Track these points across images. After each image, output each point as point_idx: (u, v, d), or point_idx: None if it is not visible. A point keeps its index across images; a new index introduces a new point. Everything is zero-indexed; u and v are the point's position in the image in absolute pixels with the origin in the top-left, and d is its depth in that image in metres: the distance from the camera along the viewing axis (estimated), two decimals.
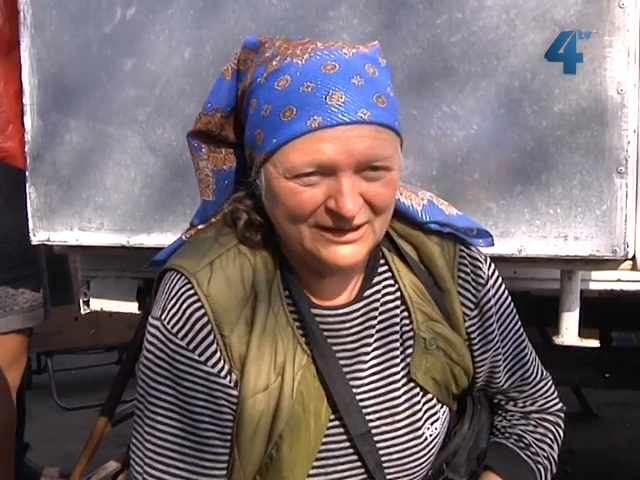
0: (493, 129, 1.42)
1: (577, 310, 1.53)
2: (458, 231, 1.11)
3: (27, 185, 1.80)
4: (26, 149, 1.79)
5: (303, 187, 0.93)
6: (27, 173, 1.79)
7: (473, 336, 1.13)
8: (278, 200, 0.96)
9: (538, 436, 1.21)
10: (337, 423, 1.06)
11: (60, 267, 2.45)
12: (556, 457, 1.22)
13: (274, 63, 0.95)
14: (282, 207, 0.96)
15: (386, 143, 0.94)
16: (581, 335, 1.57)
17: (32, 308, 2.20)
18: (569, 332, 1.54)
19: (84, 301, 2.00)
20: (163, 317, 1.01)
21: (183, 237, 1.12)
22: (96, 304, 2.00)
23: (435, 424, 1.12)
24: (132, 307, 1.97)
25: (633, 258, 1.42)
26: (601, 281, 1.63)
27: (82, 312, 2.02)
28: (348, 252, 0.97)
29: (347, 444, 1.06)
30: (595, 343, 1.58)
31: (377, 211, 0.96)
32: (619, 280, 1.62)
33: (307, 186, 0.93)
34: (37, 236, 1.81)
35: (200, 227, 1.11)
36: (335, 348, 1.06)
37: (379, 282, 1.10)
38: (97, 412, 2.25)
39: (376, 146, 0.93)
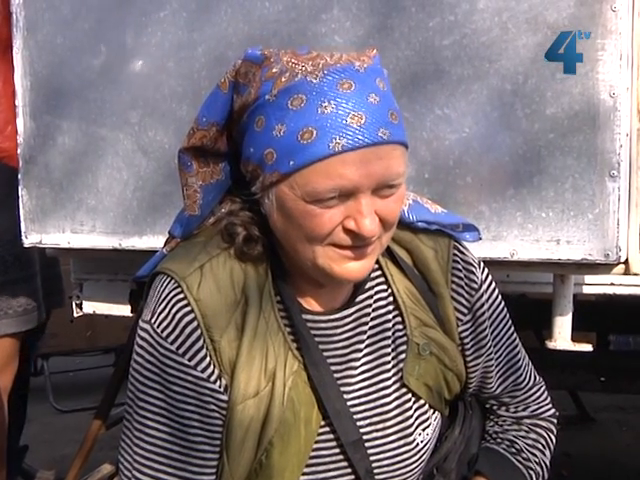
0: (485, 132, 1.41)
1: (570, 314, 1.53)
2: (445, 228, 1.11)
3: (19, 187, 1.79)
4: (18, 151, 1.79)
5: (322, 209, 0.92)
6: (19, 175, 1.79)
7: (466, 341, 1.13)
8: (294, 221, 0.94)
9: (530, 442, 1.21)
10: (327, 429, 1.05)
11: (51, 270, 2.44)
12: (548, 463, 1.21)
13: (283, 80, 0.92)
14: (298, 228, 0.95)
15: (400, 160, 0.94)
16: (576, 339, 1.57)
17: (26, 312, 2.20)
18: (562, 336, 1.54)
19: (77, 304, 2.00)
20: (153, 321, 1.00)
21: (164, 251, 1.10)
22: (89, 307, 1.99)
23: (427, 430, 1.11)
24: (125, 310, 1.96)
25: (626, 262, 1.41)
26: (594, 285, 1.63)
27: (75, 315, 2.01)
28: (359, 267, 0.97)
29: (337, 451, 1.05)
30: (588, 347, 1.57)
31: (388, 226, 0.97)
32: (612, 284, 1.62)
33: (326, 208, 0.92)
34: (29, 238, 1.80)
35: (179, 240, 1.08)
36: (326, 354, 1.06)
37: (371, 287, 1.09)
38: (93, 415, 2.25)
39: (392, 165, 0.92)
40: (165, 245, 1.12)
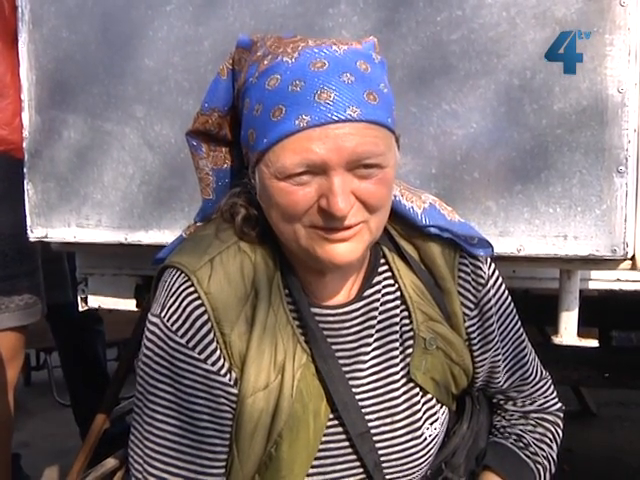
0: (493, 127, 1.41)
1: (576, 310, 1.53)
2: (458, 238, 1.09)
3: (25, 182, 1.79)
4: (24, 145, 1.78)
5: (295, 187, 0.92)
6: (25, 169, 1.79)
7: (473, 336, 1.13)
8: (272, 200, 0.95)
9: (537, 436, 1.21)
10: (336, 422, 1.05)
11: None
12: (555, 457, 1.22)
13: (265, 62, 0.95)
14: (276, 207, 0.96)
15: (378, 140, 0.93)
16: (580, 334, 1.57)
17: (28, 306, 2.20)
18: (568, 332, 1.54)
19: (82, 298, 1.99)
20: (163, 315, 1.01)
21: (183, 234, 1.12)
22: (94, 301, 1.99)
23: (434, 424, 1.11)
24: (130, 304, 1.96)
25: (633, 258, 1.41)
26: (600, 280, 1.63)
27: (80, 309, 2.01)
28: (343, 250, 0.96)
29: (346, 444, 1.06)
30: (594, 343, 1.57)
31: (371, 209, 0.95)
32: (618, 280, 1.62)
33: (299, 185, 0.92)
34: (35, 233, 1.80)
35: (199, 224, 1.10)
36: (335, 347, 1.06)
37: (379, 282, 1.10)
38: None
39: (367, 143, 0.91)
40: (186, 229, 1.14)
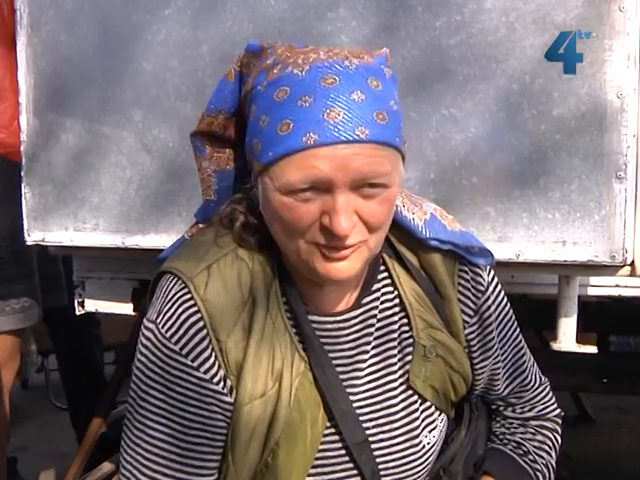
0: (491, 132, 1.40)
1: (575, 316, 1.53)
2: (459, 248, 1.08)
3: (22, 185, 1.78)
4: (22, 148, 1.78)
5: (298, 202, 0.91)
6: (22, 173, 1.78)
7: (473, 343, 1.13)
8: (274, 213, 0.94)
9: (537, 443, 1.21)
10: (333, 431, 1.05)
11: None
12: (554, 464, 1.21)
13: (275, 71, 0.93)
14: (278, 220, 0.95)
15: (384, 160, 0.91)
16: (579, 340, 1.56)
17: (24, 309, 2.19)
18: (567, 338, 1.53)
19: (79, 302, 1.99)
20: (158, 321, 1.00)
21: (185, 235, 1.11)
22: (91, 305, 1.99)
23: (433, 432, 1.11)
24: (127, 308, 1.96)
25: (632, 264, 1.41)
26: (600, 286, 1.62)
27: (77, 313, 2.01)
28: (341, 267, 0.95)
29: (343, 452, 1.05)
30: (593, 349, 1.57)
31: (372, 229, 0.94)
32: (617, 286, 1.61)
33: (302, 202, 0.91)
34: (32, 236, 1.79)
35: (201, 226, 1.09)
36: (332, 355, 1.05)
37: (378, 289, 1.09)
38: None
39: (373, 163, 0.90)
40: (188, 230, 1.13)
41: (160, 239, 1.65)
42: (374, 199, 0.92)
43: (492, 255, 1.13)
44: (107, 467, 2.03)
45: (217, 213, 1.07)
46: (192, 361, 0.99)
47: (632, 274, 1.42)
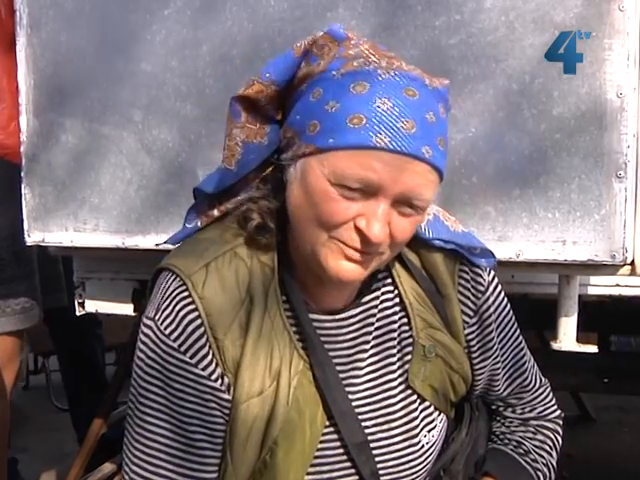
0: (491, 132, 1.40)
1: (575, 315, 1.52)
2: (462, 248, 1.09)
3: (22, 186, 1.78)
4: (21, 149, 1.78)
5: (341, 197, 0.91)
6: (22, 174, 1.78)
7: (472, 344, 1.13)
8: (310, 198, 0.93)
9: (537, 443, 1.21)
10: (332, 430, 1.05)
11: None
12: (555, 464, 1.21)
13: (355, 64, 0.92)
14: (312, 207, 0.94)
15: (432, 186, 0.93)
16: (579, 340, 1.56)
17: (24, 310, 2.19)
18: (567, 337, 1.53)
19: (79, 302, 1.99)
20: (157, 318, 1.01)
21: (198, 224, 1.09)
22: (91, 306, 1.98)
23: (432, 432, 1.11)
24: (127, 309, 1.96)
25: (632, 263, 1.41)
26: (600, 286, 1.62)
27: (77, 314, 2.00)
28: (350, 269, 0.95)
29: (342, 451, 1.05)
30: (593, 348, 1.57)
31: (394, 245, 0.96)
32: (618, 285, 1.61)
33: (345, 199, 0.91)
34: (32, 237, 1.79)
35: (216, 213, 1.07)
36: (332, 354, 1.05)
37: (378, 288, 1.09)
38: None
39: (423, 186, 0.91)
40: (193, 208, 1.10)
41: (160, 239, 1.65)
42: (406, 218, 0.94)
43: (494, 256, 1.13)
44: (108, 468, 2.03)
45: (232, 201, 1.06)
46: (190, 358, 0.99)
47: (632, 273, 1.41)
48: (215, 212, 1.07)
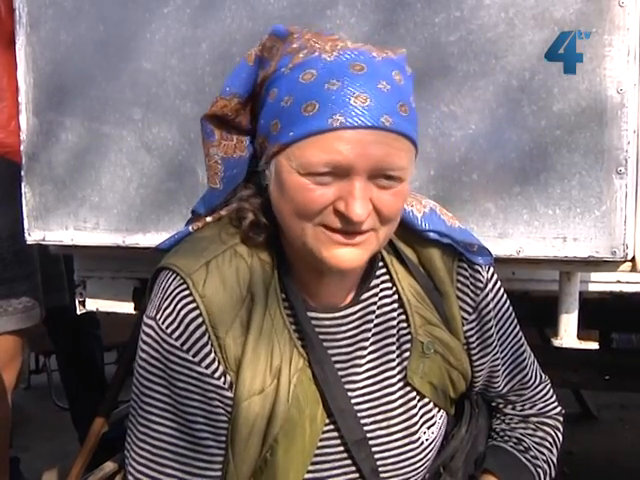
0: (491, 129, 1.40)
1: (576, 312, 1.52)
2: (458, 244, 1.09)
3: (22, 184, 1.78)
4: (21, 148, 1.78)
5: (314, 185, 0.92)
6: (22, 172, 1.78)
7: (472, 340, 1.13)
8: (286, 194, 0.94)
9: (537, 440, 1.21)
10: (332, 427, 1.05)
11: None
12: (555, 461, 1.21)
13: (301, 55, 0.94)
14: (290, 202, 0.94)
15: (402, 153, 0.93)
16: (580, 337, 1.56)
17: (26, 309, 2.19)
18: (568, 334, 1.53)
19: (80, 301, 1.99)
20: (158, 317, 1.01)
21: (190, 228, 1.10)
22: (92, 304, 1.98)
23: (432, 428, 1.11)
24: (128, 307, 1.96)
25: (633, 259, 1.40)
26: (600, 282, 1.62)
27: (78, 312, 2.00)
28: (349, 255, 0.95)
29: (342, 449, 1.05)
30: (594, 345, 1.56)
31: (384, 220, 0.95)
32: (618, 281, 1.61)
33: (318, 185, 0.92)
34: (32, 236, 1.79)
35: (208, 219, 1.08)
36: (331, 352, 1.05)
37: (377, 285, 1.09)
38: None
39: (393, 154, 0.91)
40: (189, 223, 1.12)
41: (160, 238, 1.64)
42: (388, 190, 0.93)
43: (491, 254, 1.13)
44: (109, 467, 2.02)
45: (225, 208, 1.07)
46: (193, 356, 0.99)
47: (633, 270, 1.41)
48: (208, 219, 1.09)
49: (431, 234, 1.07)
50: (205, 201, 1.11)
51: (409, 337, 1.09)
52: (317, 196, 0.92)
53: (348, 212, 0.91)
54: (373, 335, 1.08)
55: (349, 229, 0.93)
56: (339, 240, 0.94)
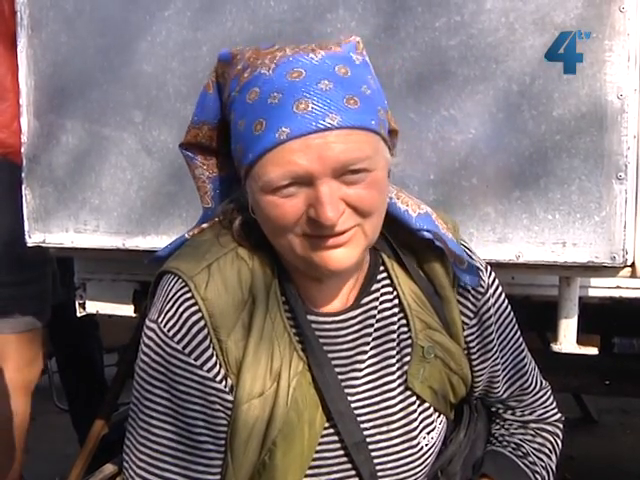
0: (491, 133, 1.40)
1: (575, 317, 1.52)
2: (449, 254, 1.07)
3: (23, 186, 1.79)
4: (22, 150, 1.78)
5: (282, 199, 0.92)
6: (23, 174, 1.79)
7: (472, 345, 1.12)
8: (262, 213, 0.96)
9: (536, 446, 1.20)
10: (331, 431, 1.05)
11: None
12: (554, 468, 1.21)
13: (245, 75, 0.94)
14: (267, 220, 0.96)
15: (362, 145, 0.92)
16: (580, 341, 1.56)
17: (36, 310, 2.19)
18: (567, 339, 1.53)
19: (80, 304, 1.99)
20: (160, 320, 1.00)
21: (186, 235, 1.10)
22: (92, 307, 1.99)
23: (431, 433, 1.10)
24: (128, 310, 1.96)
25: (632, 265, 1.40)
26: (600, 288, 1.62)
27: (78, 315, 2.01)
28: (339, 256, 0.95)
29: (341, 452, 1.05)
30: (594, 350, 1.56)
31: (364, 214, 0.94)
32: (618, 287, 1.60)
33: (286, 197, 0.92)
34: (33, 238, 1.80)
35: (204, 225, 1.09)
36: (331, 355, 1.05)
37: (377, 289, 1.09)
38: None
39: (349, 150, 0.90)
40: (189, 230, 1.13)
41: (161, 240, 1.65)
42: (359, 184, 0.93)
43: (480, 276, 1.11)
44: (109, 469, 2.03)
45: (215, 213, 1.08)
46: (195, 360, 0.99)
47: (632, 275, 1.41)
48: (204, 225, 1.10)
49: (425, 233, 1.06)
50: (200, 222, 1.12)
51: (409, 341, 1.09)
52: (288, 209, 0.92)
53: (319, 218, 0.91)
54: (373, 339, 1.08)
55: (325, 233, 0.93)
56: (326, 244, 0.94)
